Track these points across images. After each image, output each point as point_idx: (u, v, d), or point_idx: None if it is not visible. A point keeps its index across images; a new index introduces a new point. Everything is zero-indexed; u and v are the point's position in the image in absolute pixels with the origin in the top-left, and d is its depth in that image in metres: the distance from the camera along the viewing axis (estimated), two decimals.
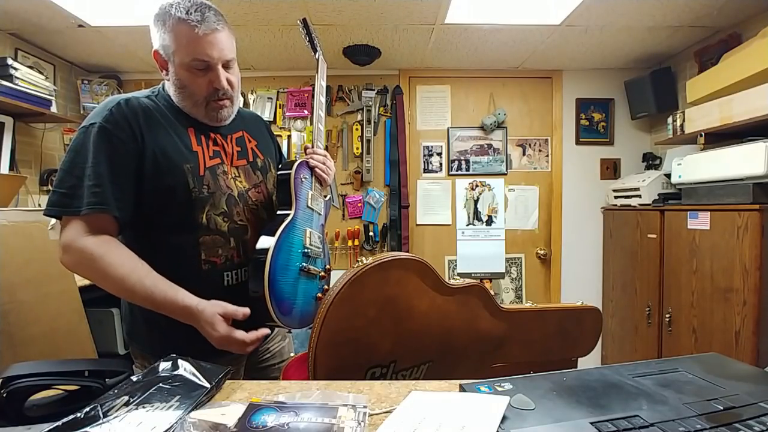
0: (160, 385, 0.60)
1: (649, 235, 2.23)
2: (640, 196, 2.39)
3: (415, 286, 0.81)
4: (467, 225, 2.49)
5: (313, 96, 2.70)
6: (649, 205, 2.32)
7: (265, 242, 0.88)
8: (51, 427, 0.49)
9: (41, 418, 0.56)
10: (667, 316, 2.08)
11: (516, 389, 0.59)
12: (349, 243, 2.79)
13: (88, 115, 0.85)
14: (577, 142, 2.88)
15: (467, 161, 2.89)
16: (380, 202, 2.84)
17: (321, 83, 1.14)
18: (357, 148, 2.81)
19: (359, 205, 2.83)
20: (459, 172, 2.88)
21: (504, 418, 0.51)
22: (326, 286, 1.00)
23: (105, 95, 2.60)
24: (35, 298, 1.44)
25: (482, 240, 2.47)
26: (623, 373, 0.65)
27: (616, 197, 2.65)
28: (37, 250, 1.49)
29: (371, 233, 2.80)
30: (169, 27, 0.84)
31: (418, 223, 2.88)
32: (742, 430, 0.49)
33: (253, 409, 0.54)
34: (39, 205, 2.33)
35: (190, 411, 0.55)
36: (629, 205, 2.50)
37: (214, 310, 0.81)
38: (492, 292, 0.91)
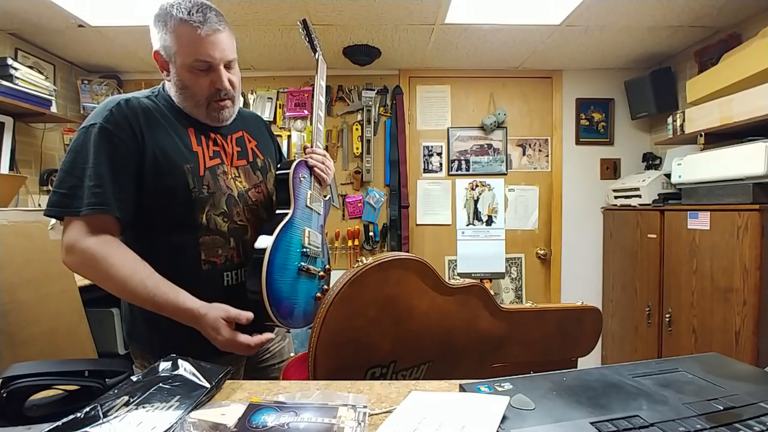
0: (160, 385, 0.60)
1: (649, 235, 2.23)
2: (640, 196, 2.39)
3: (415, 286, 0.81)
4: (467, 225, 2.49)
5: (312, 96, 2.69)
6: (649, 205, 2.32)
7: (263, 241, 0.88)
8: (51, 427, 0.49)
9: (41, 418, 0.55)
10: (667, 316, 2.08)
11: (516, 389, 0.59)
12: (349, 243, 2.79)
13: (89, 116, 0.85)
14: (577, 142, 2.88)
15: (467, 161, 2.89)
16: (380, 202, 2.84)
17: (321, 83, 1.14)
18: (357, 148, 2.81)
19: (359, 205, 2.83)
20: (459, 172, 2.88)
21: (504, 418, 0.51)
22: (326, 286, 1.00)
23: (105, 95, 2.60)
24: (35, 298, 1.44)
25: (482, 240, 2.47)
26: (623, 373, 0.65)
27: (616, 197, 2.65)
28: (37, 250, 1.49)
29: (371, 233, 2.80)
30: (171, 28, 0.84)
31: (418, 223, 2.88)
32: (742, 430, 0.49)
33: (253, 409, 0.54)
34: (39, 205, 2.33)
35: (190, 411, 0.55)
36: (629, 205, 2.50)
37: (216, 314, 0.81)
38: (492, 292, 0.91)
